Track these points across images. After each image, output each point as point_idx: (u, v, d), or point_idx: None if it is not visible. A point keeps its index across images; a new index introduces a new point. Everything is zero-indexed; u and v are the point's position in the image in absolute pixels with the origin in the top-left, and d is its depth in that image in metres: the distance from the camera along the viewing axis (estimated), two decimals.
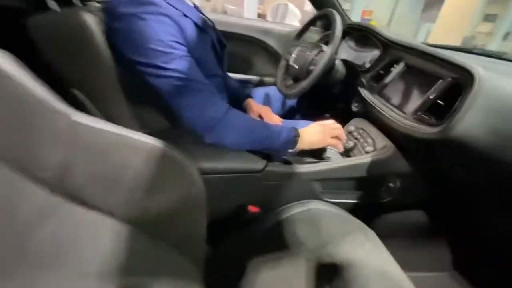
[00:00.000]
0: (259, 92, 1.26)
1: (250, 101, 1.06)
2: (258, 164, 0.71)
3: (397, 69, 0.83)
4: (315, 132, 0.77)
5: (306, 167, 0.74)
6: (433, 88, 0.68)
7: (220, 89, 0.88)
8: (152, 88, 0.64)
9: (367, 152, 0.79)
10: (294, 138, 0.73)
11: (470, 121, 0.55)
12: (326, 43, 1.14)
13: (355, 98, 0.96)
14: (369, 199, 0.81)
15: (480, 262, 0.83)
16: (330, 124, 0.80)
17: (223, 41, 0.91)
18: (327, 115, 1.25)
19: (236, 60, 1.39)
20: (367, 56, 1.03)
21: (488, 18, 6.77)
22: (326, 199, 0.78)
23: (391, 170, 0.77)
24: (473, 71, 0.57)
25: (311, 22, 1.06)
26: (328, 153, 0.86)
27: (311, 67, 0.94)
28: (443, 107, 0.63)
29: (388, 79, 0.84)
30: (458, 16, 6.05)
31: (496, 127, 0.55)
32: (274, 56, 1.37)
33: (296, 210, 0.73)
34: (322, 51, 0.95)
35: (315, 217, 0.70)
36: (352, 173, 0.76)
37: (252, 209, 0.75)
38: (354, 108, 0.97)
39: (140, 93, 0.68)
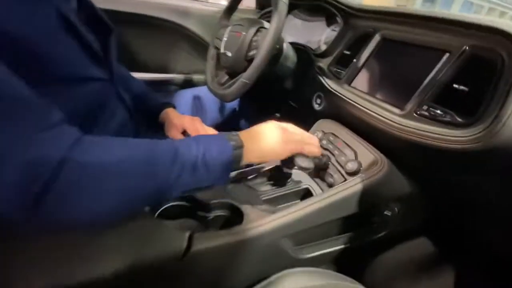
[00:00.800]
0: (186, 96, 0.91)
1: (168, 113, 0.70)
2: (173, 244, 0.37)
3: (370, 45, 0.58)
4: (270, 134, 0.46)
5: (265, 224, 0.43)
6: (438, 66, 0.44)
7: (101, 99, 0.51)
8: None
9: (350, 173, 0.52)
10: (234, 149, 0.40)
11: None
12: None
13: (316, 92, 0.69)
14: (360, 239, 0.55)
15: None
16: (290, 128, 0.50)
17: (108, 24, 0.53)
18: (277, 115, 0.98)
19: (147, 53, 1.00)
20: (322, 34, 0.78)
21: None
22: (301, 257, 0.49)
23: (387, 194, 0.52)
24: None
25: None
26: (290, 176, 0.57)
27: (251, 53, 0.64)
28: (464, 94, 0.39)
29: (360, 61, 0.59)
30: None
31: None
32: (200, 45, 1.03)
33: None
34: (263, 27, 0.65)
35: None
36: (335, 213, 0.48)
37: None
38: (317, 106, 0.70)
39: None
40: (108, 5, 0.89)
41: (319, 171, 0.58)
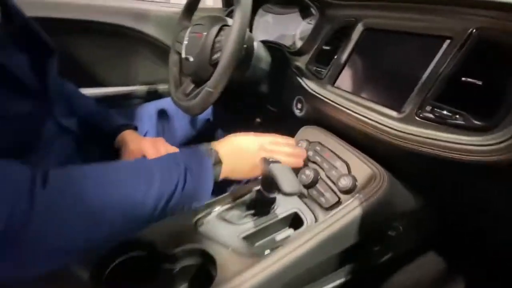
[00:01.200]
0: (150, 109, 0.80)
1: (124, 136, 0.59)
2: None
3: (353, 38, 0.49)
4: (247, 148, 0.43)
5: (246, 279, 0.33)
6: (438, 56, 0.36)
7: (29, 136, 0.40)
8: None
9: (344, 191, 0.43)
10: (215, 164, 0.38)
11: None
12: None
13: (295, 96, 0.60)
14: (362, 269, 0.46)
15: None
16: (271, 140, 0.47)
17: (48, 43, 0.43)
18: (258, 120, 0.88)
19: (103, 65, 0.88)
20: (296, 29, 0.69)
21: None
22: None
23: (390, 213, 0.44)
24: None
25: None
26: (274, 200, 0.47)
27: (215, 56, 0.54)
28: (477, 89, 0.32)
29: (342, 57, 0.50)
30: None
31: None
32: (162, 51, 0.91)
33: None
34: (226, 25, 0.56)
35: None
36: (332, 248, 0.39)
37: None
38: (298, 111, 0.61)
39: None
40: (53, 13, 0.76)
41: (308, 188, 0.49)
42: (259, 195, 0.47)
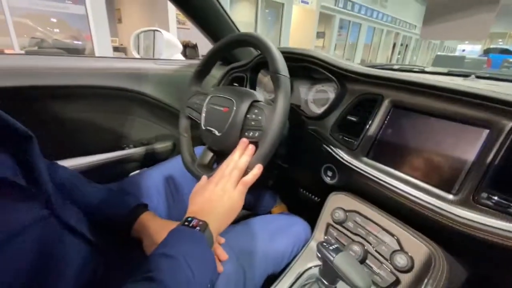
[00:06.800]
0: (153, 178, 0.72)
1: (144, 222, 0.52)
2: None
3: (380, 112, 0.52)
4: (206, 191, 0.46)
5: None
6: (480, 144, 0.40)
7: (44, 249, 0.32)
8: None
9: (401, 270, 0.43)
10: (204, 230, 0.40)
11: None
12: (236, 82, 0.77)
13: (324, 163, 0.61)
14: None
15: None
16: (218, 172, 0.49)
17: (22, 131, 0.34)
18: (271, 182, 0.86)
19: (96, 130, 0.79)
20: (308, 93, 0.72)
21: (319, 35, 8.65)
22: None
23: None
24: None
25: (218, 52, 0.64)
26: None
27: (250, 134, 0.52)
28: None
29: (371, 129, 0.53)
30: (303, 35, 7.44)
31: None
32: (157, 109, 0.86)
33: None
34: (256, 101, 0.55)
35: None
36: None
37: None
38: (328, 179, 0.61)
39: None
40: (37, 80, 0.67)
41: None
42: (321, 284, 0.44)
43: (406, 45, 13.33)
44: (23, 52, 3.60)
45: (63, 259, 0.35)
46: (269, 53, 0.50)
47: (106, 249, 0.46)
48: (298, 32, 7.41)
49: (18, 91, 0.64)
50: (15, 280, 0.26)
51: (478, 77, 0.67)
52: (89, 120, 0.76)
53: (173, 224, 0.52)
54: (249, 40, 0.55)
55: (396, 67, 0.91)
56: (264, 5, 6.38)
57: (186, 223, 0.40)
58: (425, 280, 0.41)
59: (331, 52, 8.71)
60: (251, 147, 0.50)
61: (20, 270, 0.27)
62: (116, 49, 5.48)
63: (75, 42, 4.13)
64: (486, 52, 8.51)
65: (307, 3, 7.20)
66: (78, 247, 0.40)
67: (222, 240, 0.51)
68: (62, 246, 0.35)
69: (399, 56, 13.16)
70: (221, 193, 0.45)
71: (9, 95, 0.63)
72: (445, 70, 0.79)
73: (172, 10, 4.97)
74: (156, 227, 0.51)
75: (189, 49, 3.80)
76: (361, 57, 10.52)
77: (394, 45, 12.40)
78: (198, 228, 0.39)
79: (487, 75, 0.72)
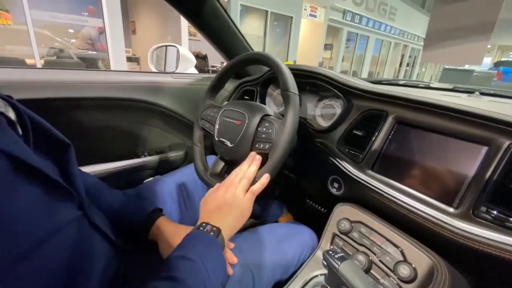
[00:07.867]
0: (167, 185, 0.76)
1: (160, 227, 0.55)
2: None
3: (384, 128, 0.55)
4: (218, 198, 0.49)
5: None
6: (479, 161, 0.42)
7: (78, 249, 0.36)
8: None
9: (405, 281, 0.45)
10: (218, 235, 0.43)
11: None
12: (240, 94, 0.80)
13: (330, 175, 0.63)
14: None
15: None
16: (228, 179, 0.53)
17: (62, 140, 0.39)
18: (277, 191, 0.89)
19: (112, 139, 0.84)
20: (314, 108, 0.75)
21: (327, 47, 8.75)
22: None
23: None
24: None
25: (233, 68, 0.68)
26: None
27: (260, 146, 0.56)
28: None
29: (376, 144, 0.55)
30: (311, 47, 7.55)
31: None
32: (172, 119, 0.91)
33: None
34: (267, 115, 0.58)
35: None
36: None
37: None
38: (334, 190, 0.63)
39: None
40: (64, 92, 0.72)
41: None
42: None
43: (415, 57, 13.33)
44: (42, 61, 3.78)
45: (92, 257, 0.38)
46: (280, 72, 0.54)
47: (126, 249, 0.49)
48: (306, 44, 7.55)
49: (47, 102, 0.70)
50: (51, 277, 0.30)
51: (482, 93, 0.70)
52: (109, 129, 0.81)
53: (186, 229, 0.55)
54: (261, 59, 0.59)
55: (401, 82, 0.94)
56: (273, 18, 6.55)
57: (201, 228, 0.43)
58: None
59: (339, 64, 8.77)
60: (259, 158, 0.54)
61: (59, 265, 0.30)
62: (129, 59, 5.68)
63: (90, 52, 4.32)
64: (497, 64, 8.47)
65: (315, 16, 7.35)
66: (103, 246, 0.44)
67: (232, 245, 0.54)
68: (91, 245, 0.39)
69: (407, 67, 13.14)
70: (231, 200, 0.48)
71: (38, 105, 0.69)
72: (450, 86, 0.81)
73: (185, 23, 5.15)
74: (171, 231, 0.55)
75: (199, 59, 3.92)
76: (368, 69, 10.56)
77: (403, 57, 12.43)
78: (212, 233, 0.42)
79: (491, 92, 0.74)
